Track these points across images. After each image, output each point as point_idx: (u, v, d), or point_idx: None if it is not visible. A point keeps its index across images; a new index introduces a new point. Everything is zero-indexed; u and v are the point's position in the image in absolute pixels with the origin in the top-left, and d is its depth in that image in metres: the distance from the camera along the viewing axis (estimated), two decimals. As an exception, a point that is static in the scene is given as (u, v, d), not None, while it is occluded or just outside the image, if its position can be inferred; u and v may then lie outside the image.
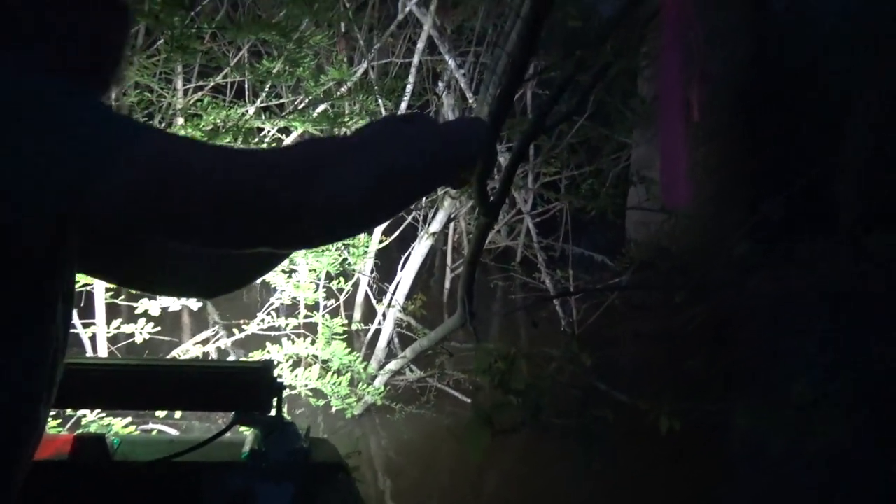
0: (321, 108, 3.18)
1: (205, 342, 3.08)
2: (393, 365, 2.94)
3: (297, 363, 2.89)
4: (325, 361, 2.67)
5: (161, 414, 2.45)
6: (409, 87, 3.61)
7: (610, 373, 2.93)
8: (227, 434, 1.17)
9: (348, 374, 2.61)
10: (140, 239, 0.96)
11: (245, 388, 1.16)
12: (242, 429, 1.19)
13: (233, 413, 1.16)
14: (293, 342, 2.67)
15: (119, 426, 1.98)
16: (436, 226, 3.19)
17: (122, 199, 0.64)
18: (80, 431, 1.11)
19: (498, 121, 0.88)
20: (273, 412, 1.17)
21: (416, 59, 3.69)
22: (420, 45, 3.69)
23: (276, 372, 1.20)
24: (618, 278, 4.58)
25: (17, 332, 0.74)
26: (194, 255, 1.03)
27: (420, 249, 3.19)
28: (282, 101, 3.52)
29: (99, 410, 1.94)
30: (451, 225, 4.85)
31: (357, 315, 4.01)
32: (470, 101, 3.92)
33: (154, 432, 2.35)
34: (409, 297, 3.34)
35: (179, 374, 1.16)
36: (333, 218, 0.72)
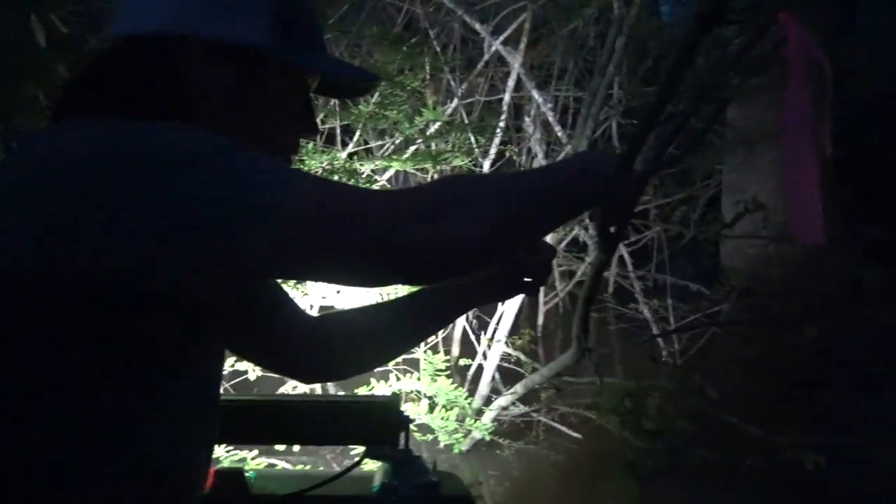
0: (413, 148, 3.26)
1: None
2: (503, 400, 2.92)
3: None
4: (429, 397, 2.70)
5: (280, 448, 2.52)
6: (501, 123, 3.66)
7: (716, 402, 2.83)
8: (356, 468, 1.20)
9: (455, 409, 2.62)
10: (282, 278, 1.01)
11: (375, 421, 1.18)
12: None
13: (341, 446, 1.18)
14: (398, 378, 2.71)
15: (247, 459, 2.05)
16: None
17: (270, 249, 0.68)
18: (218, 466, 1.16)
19: (629, 162, 0.89)
20: (401, 445, 1.19)
21: (506, 97, 3.74)
22: (510, 82, 3.74)
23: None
24: (716, 307, 4.45)
25: (178, 373, 0.79)
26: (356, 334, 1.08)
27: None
28: (369, 145, 3.64)
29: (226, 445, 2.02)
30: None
31: (455, 350, 4.03)
32: (559, 133, 3.93)
33: (278, 466, 2.41)
34: (512, 330, 3.34)
35: (314, 409, 1.20)
36: (461, 255, 0.75)
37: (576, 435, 3.31)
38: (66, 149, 0.68)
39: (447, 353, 3.66)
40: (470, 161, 3.40)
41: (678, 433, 1.40)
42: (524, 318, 5.34)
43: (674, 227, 3.77)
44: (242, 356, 1.15)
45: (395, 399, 1.21)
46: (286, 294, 1.08)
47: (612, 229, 1.05)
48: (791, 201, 0.85)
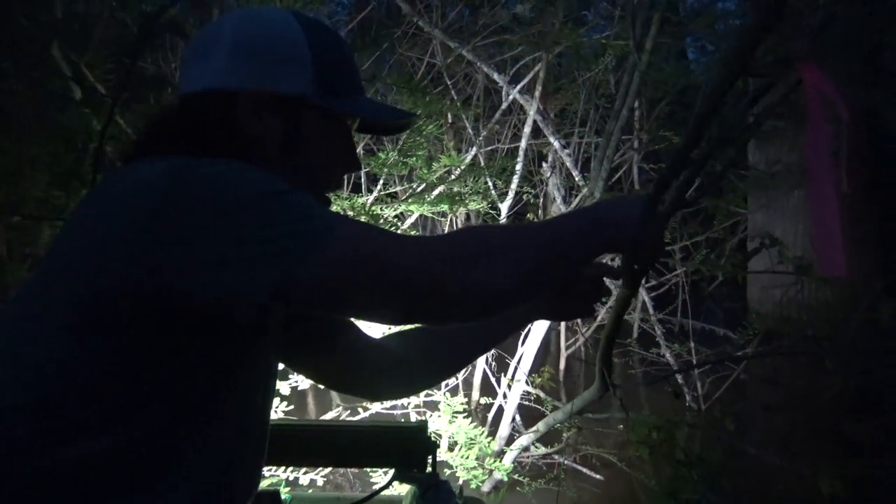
0: (436, 192, 3.34)
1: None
2: (524, 439, 2.91)
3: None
4: (449, 437, 2.71)
5: (304, 482, 2.53)
6: (518, 167, 3.73)
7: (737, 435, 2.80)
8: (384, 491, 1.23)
9: (474, 448, 2.63)
10: (320, 315, 1.07)
11: (404, 446, 1.22)
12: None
13: (361, 480, 1.22)
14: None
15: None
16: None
17: (315, 289, 0.75)
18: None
19: (654, 204, 0.93)
20: (428, 469, 1.22)
21: (523, 143, 3.82)
22: (527, 129, 3.83)
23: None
24: (741, 351, 4.42)
25: (234, 388, 0.85)
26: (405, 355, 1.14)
27: (541, 323, 3.22)
28: (392, 190, 3.72)
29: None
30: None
31: (475, 395, 4.03)
32: (576, 178, 4.00)
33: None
34: (531, 371, 3.34)
35: (348, 433, 1.24)
36: (488, 301, 0.82)
37: (597, 477, 3.29)
38: (144, 179, 0.76)
39: (467, 395, 3.66)
40: (487, 203, 3.47)
41: (709, 463, 1.42)
42: (546, 362, 5.33)
43: (700, 268, 3.77)
44: (307, 374, 1.21)
45: (423, 425, 1.25)
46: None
47: (637, 267, 1.07)
48: (815, 236, 0.89)
